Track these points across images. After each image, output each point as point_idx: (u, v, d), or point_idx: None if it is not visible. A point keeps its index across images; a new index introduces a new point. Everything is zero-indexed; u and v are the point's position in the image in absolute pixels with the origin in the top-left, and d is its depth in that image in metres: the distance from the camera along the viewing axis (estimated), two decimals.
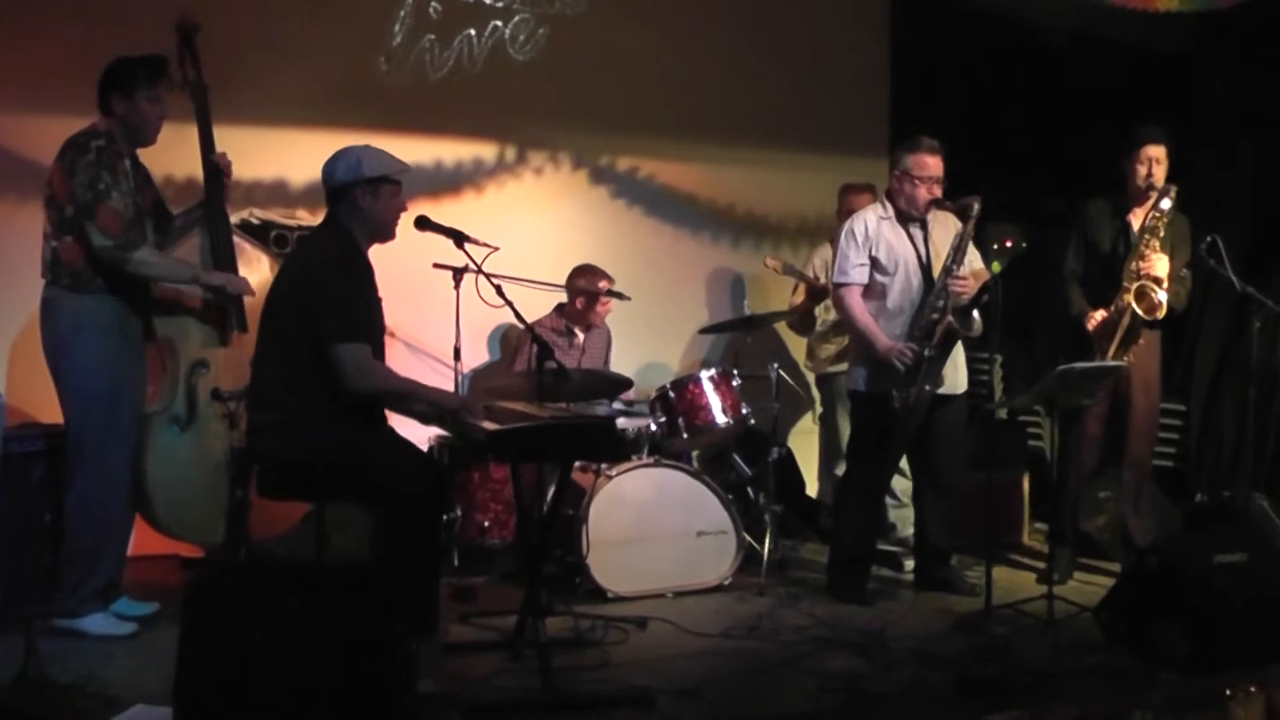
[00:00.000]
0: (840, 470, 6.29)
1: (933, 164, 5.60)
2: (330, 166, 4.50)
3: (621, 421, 6.07)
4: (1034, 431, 7.67)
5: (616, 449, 5.08)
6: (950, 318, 5.40)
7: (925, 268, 5.62)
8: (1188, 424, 7.19)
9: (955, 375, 5.71)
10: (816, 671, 4.60)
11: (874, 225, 5.68)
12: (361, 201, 4.46)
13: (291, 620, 3.57)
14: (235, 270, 5.17)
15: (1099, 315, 5.82)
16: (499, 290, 4.84)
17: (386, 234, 4.57)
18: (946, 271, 5.48)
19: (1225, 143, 7.11)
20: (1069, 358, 5.58)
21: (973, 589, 5.69)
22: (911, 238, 5.67)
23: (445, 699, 4.16)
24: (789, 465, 6.92)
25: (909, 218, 5.67)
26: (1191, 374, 7.13)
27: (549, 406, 4.95)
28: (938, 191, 5.61)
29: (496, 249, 5.11)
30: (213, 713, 3.39)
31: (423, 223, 4.81)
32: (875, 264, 5.65)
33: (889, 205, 5.72)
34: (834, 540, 5.91)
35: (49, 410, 5.05)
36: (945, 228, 5.69)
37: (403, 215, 4.60)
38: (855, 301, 5.65)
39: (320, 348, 4.28)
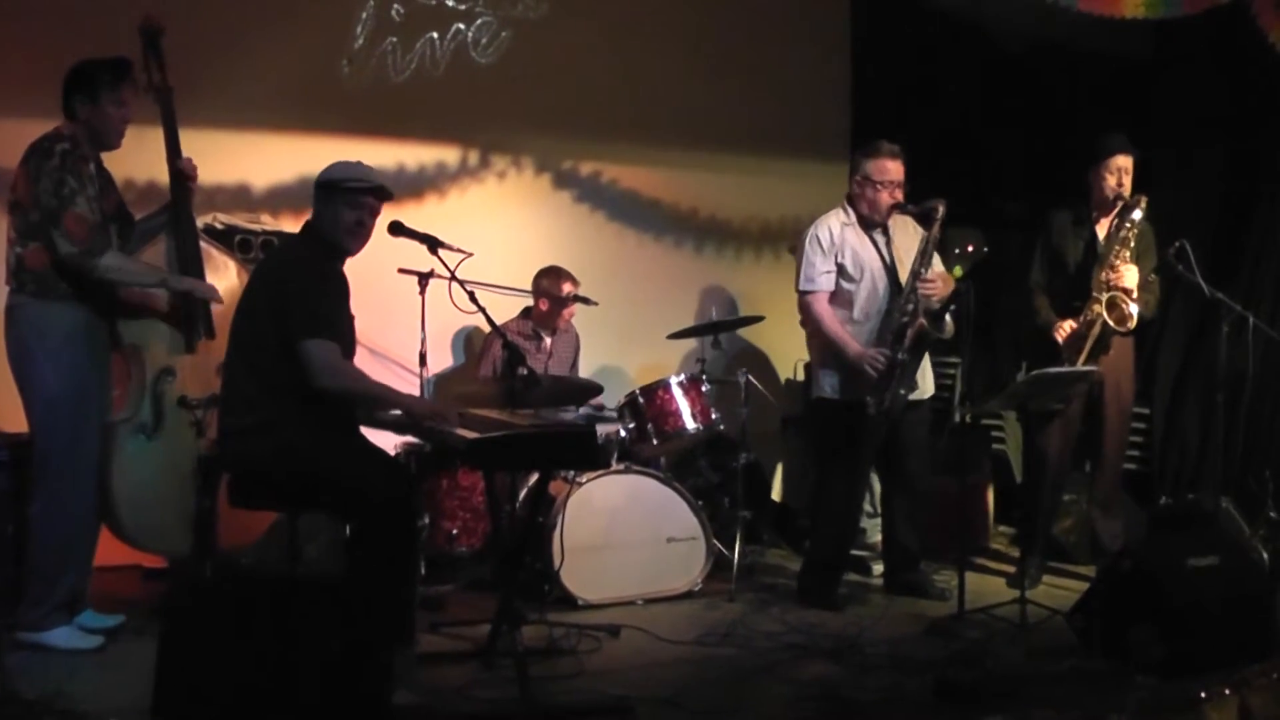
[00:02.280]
0: None
1: (893, 168, 5.59)
2: None
3: None
4: (997, 435, 7.69)
5: (597, 457, 5.04)
6: (922, 320, 5.40)
7: (890, 273, 5.62)
8: (1151, 427, 7.23)
9: (923, 381, 5.72)
10: (793, 678, 4.60)
11: (838, 231, 5.67)
12: (315, 206, 4.52)
13: (269, 633, 3.53)
14: (203, 277, 5.09)
15: (1068, 326, 5.82)
16: (472, 296, 4.80)
17: (335, 238, 4.50)
18: (915, 275, 5.48)
19: (1187, 148, 7.15)
20: (1033, 365, 5.59)
21: (943, 593, 5.71)
22: (875, 243, 5.67)
23: (422, 711, 4.12)
24: (754, 470, 6.90)
25: (871, 223, 5.67)
26: (1154, 377, 7.16)
27: (519, 413, 4.91)
28: (899, 196, 5.61)
29: (470, 255, 5.05)
30: None
31: (396, 228, 4.74)
32: (841, 271, 5.64)
33: (851, 211, 5.71)
34: (810, 546, 5.91)
35: (13, 419, 4.95)
36: (906, 232, 5.70)
37: (373, 226, 4.55)
38: (823, 308, 5.64)
39: (289, 344, 4.25)
